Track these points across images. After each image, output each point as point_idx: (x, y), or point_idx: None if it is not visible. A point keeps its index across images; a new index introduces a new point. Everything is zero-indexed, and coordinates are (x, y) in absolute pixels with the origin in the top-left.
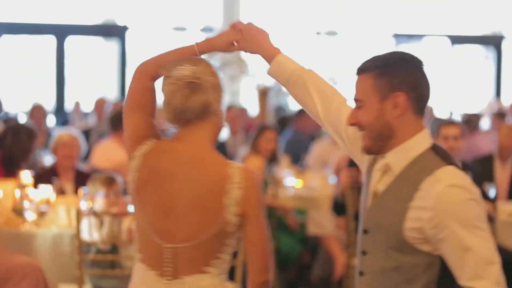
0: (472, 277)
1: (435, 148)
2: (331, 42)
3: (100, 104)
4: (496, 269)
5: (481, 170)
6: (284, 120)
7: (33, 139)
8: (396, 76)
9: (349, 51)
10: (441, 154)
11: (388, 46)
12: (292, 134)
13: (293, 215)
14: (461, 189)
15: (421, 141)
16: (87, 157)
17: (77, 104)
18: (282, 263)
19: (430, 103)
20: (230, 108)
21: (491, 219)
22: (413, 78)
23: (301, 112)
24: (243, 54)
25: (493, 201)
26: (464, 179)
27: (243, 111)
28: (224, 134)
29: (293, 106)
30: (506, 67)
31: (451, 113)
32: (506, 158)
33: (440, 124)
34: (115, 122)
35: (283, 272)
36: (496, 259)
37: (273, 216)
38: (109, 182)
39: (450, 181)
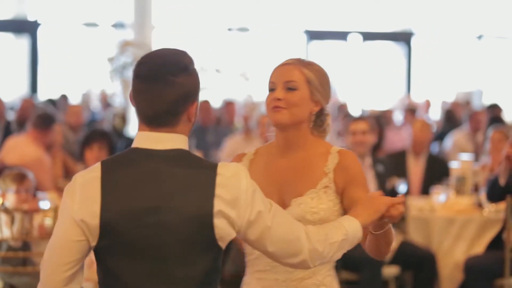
0: None
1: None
2: (243, 38)
3: None
4: None
5: (393, 165)
6: None
7: None
8: None
9: (261, 47)
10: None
11: (299, 43)
12: (197, 128)
13: None
14: None
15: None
16: None
17: None
18: None
19: (343, 99)
20: None
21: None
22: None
23: (203, 104)
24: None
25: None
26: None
27: None
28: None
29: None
30: (415, 63)
31: (362, 110)
32: (419, 153)
33: (349, 121)
34: (41, 121)
35: None
36: None
37: None
38: (20, 178)
39: None
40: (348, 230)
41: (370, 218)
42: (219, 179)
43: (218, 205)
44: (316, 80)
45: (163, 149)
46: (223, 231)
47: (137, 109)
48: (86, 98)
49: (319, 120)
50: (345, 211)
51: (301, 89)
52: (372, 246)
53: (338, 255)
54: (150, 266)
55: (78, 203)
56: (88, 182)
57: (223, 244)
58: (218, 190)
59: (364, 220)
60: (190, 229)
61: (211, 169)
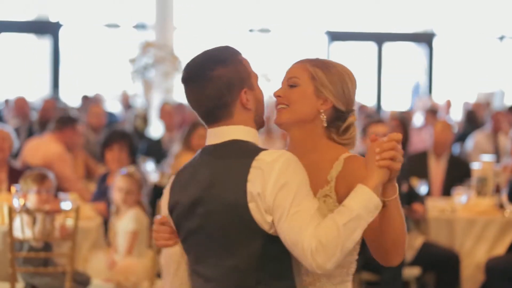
0: None
1: None
2: (264, 39)
3: (20, 103)
4: None
5: (414, 166)
6: None
7: None
8: None
9: (282, 48)
10: None
11: (321, 44)
12: None
13: None
14: None
15: None
16: (17, 154)
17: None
18: None
19: (358, 99)
20: (165, 104)
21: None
22: None
23: None
24: (176, 51)
25: (424, 197)
26: None
27: (179, 107)
28: (160, 130)
29: None
30: (437, 64)
31: (381, 111)
32: (441, 154)
33: (369, 123)
34: (61, 123)
35: None
36: None
37: None
38: (41, 178)
39: None
40: (355, 207)
41: (379, 175)
42: (254, 164)
43: (250, 189)
44: (324, 77)
45: (218, 143)
46: (258, 214)
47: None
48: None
49: (336, 122)
50: None
51: (303, 85)
52: (382, 238)
53: (355, 236)
54: (205, 254)
55: (164, 196)
56: (172, 177)
57: (270, 229)
58: (251, 176)
59: (374, 181)
60: (231, 216)
61: (251, 155)
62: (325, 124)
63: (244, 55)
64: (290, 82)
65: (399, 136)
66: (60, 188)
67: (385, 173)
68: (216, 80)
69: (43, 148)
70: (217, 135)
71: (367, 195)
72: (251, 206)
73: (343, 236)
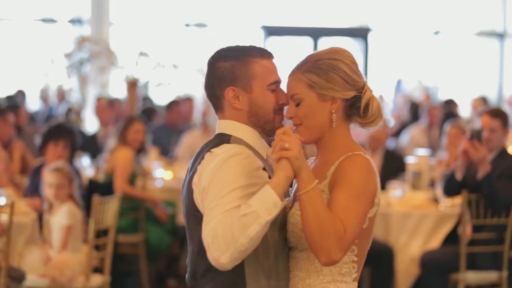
0: None
1: None
2: (201, 34)
3: None
4: None
5: None
6: (149, 111)
7: None
8: None
9: (219, 43)
10: None
11: (257, 38)
12: (161, 126)
13: (162, 206)
14: None
15: None
16: None
17: None
18: (152, 254)
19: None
20: (99, 99)
21: None
22: None
23: (171, 105)
24: (112, 46)
25: None
26: None
27: (114, 101)
28: (95, 125)
29: (161, 99)
30: (372, 59)
31: None
32: (376, 149)
33: None
34: None
35: (152, 264)
36: None
37: (142, 208)
38: None
39: None
40: (253, 203)
41: (280, 171)
42: (207, 155)
43: (194, 178)
44: (319, 79)
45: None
46: (199, 203)
47: None
48: (44, 93)
49: (355, 107)
50: None
51: (306, 98)
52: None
53: (250, 232)
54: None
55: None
56: None
57: None
58: (200, 166)
59: (275, 179)
60: (189, 203)
61: (212, 146)
62: (335, 125)
63: (275, 60)
64: (295, 101)
65: (284, 129)
66: None
67: (285, 167)
68: (213, 70)
69: None
70: (217, 125)
71: (267, 193)
72: (195, 194)
73: (237, 230)
